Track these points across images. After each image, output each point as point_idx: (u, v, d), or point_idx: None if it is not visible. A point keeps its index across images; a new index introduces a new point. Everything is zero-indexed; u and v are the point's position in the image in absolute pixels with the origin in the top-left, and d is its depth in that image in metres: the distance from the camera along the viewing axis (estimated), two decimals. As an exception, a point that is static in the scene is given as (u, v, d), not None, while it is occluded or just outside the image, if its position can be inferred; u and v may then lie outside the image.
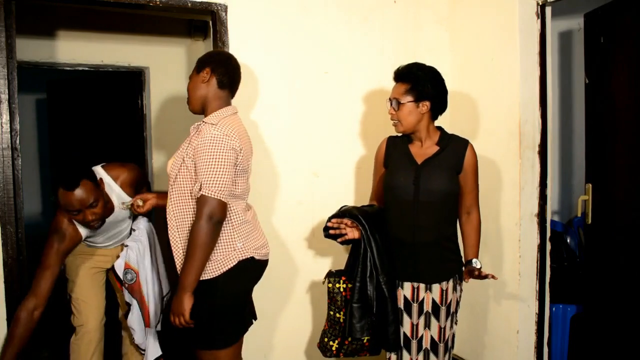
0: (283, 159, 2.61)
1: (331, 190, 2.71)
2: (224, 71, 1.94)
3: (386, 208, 2.11)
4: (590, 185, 2.64)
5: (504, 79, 2.50)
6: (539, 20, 2.43)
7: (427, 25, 2.88)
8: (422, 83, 1.99)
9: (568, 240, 3.10)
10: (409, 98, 2.00)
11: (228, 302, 1.87)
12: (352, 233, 2.00)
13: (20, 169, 2.18)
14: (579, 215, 2.75)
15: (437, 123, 2.12)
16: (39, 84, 4.44)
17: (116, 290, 2.49)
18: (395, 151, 2.14)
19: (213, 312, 1.85)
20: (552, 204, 2.82)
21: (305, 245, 2.68)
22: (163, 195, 2.13)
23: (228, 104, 1.97)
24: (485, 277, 1.97)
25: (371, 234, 1.97)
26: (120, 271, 2.26)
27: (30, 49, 3.38)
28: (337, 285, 2.05)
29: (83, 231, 2.20)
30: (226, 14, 2.45)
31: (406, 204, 2.02)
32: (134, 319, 2.30)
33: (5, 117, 2.14)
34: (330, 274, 2.10)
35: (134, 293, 2.29)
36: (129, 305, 2.31)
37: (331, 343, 2.07)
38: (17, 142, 2.17)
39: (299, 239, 2.66)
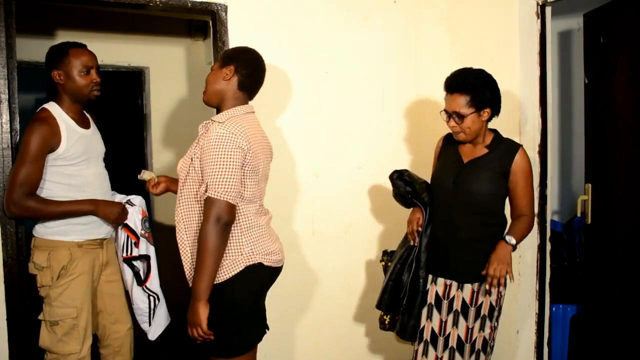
0: (283, 159, 2.61)
1: (331, 190, 2.71)
2: (248, 73, 1.88)
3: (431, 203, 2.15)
4: (590, 185, 2.64)
5: (504, 79, 2.49)
6: (539, 20, 2.43)
7: (427, 25, 2.88)
8: (481, 92, 1.95)
9: (568, 241, 3.11)
10: (471, 109, 1.95)
11: (236, 309, 1.80)
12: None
13: (20, 169, 2.17)
14: (579, 215, 2.75)
15: None
16: (39, 84, 4.44)
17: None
18: (447, 149, 2.17)
19: (221, 319, 1.77)
20: (552, 204, 2.81)
21: (305, 246, 2.68)
22: (175, 180, 2.07)
23: (244, 104, 1.90)
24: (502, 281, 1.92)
25: (424, 229, 2.07)
26: (139, 225, 2.21)
27: (30, 49, 3.37)
28: (390, 264, 2.19)
29: (64, 139, 2.07)
30: (226, 14, 2.45)
31: (445, 202, 2.06)
32: (154, 271, 2.23)
33: (5, 117, 2.13)
34: (385, 253, 2.28)
35: (151, 240, 2.24)
36: (146, 259, 2.22)
37: (385, 317, 2.25)
38: (17, 142, 2.16)
39: (299, 239, 2.66)
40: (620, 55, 2.46)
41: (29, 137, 1.98)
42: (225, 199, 1.70)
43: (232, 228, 1.79)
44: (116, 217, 2.15)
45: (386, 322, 2.24)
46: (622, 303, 2.45)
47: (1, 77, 2.12)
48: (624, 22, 2.43)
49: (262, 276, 1.87)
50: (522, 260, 2.45)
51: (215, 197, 1.69)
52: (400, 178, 2.17)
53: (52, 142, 2.02)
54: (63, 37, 3.50)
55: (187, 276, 1.84)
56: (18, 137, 2.17)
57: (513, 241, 1.95)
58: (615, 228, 2.51)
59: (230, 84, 1.87)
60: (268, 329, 2.02)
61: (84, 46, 2.16)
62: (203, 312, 1.70)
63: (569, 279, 2.89)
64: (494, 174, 1.99)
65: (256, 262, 1.82)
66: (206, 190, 1.72)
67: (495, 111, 2.03)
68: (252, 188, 1.84)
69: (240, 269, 1.79)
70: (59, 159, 2.05)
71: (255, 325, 1.92)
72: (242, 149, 1.74)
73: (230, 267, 1.78)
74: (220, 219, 1.69)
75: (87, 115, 2.27)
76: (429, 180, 2.20)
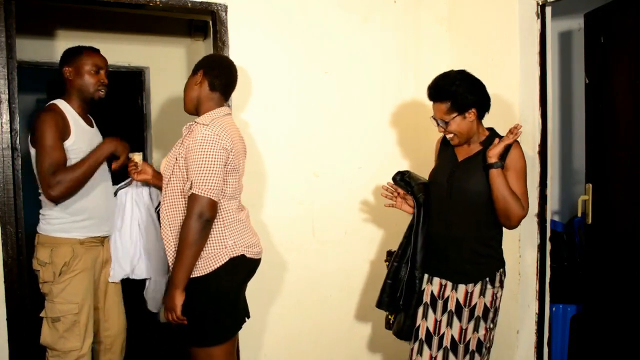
0: (283, 159, 2.61)
1: (331, 190, 2.71)
2: (216, 74, 1.99)
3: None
4: (591, 185, 2.64)
5: (504, 78, 2.50)
6: (539, 20, 2.43)
7: (427, 25, 2.88)
8: (461, 96, 1.95)
9: (568, 240, 3.11)
10: (454, 114, 1.97)
11: (220, 299, 1.90)
12: (403, 206, 2.18)
13: (20, 169, 2.18)
14: (579, 215, 2.75)
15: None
16: (39, 84, 4.44)
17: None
18: (444, 149, 2.19)
19: (205, 309, 1.87)
20: (552, 204, 2.81)
21: (305, 246, 2.67)
22: (160, 176, 2.12)
23: (221, 105, 2.01)
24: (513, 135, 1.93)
25: (422, 227, 2.08)
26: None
27: (30, 49, 3.38)
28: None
29: (73, 132, 2.12)
30: (226, 14, 2.45)
31: (441, 200, 2.07)
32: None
33: (5, 117, 2.14)
34: (389, 254, 2.27)
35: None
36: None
37: (390, 317, 2.26)
38: (17, 142, 2.17)
39: (299, 239, 2.66)
40: (621, 55, 2.45)
41: (43, 128, 2.02)
42: (208, 196, 1.80)
43: (216, 223, 1.89)
44: (123, 148, 2.22)
45: (391, 322, 2.26)
46: (622, 303, 2.45)
47: (1, 77, 2.12)
48: (624, 22, 2.43)
49: (244, 267, 1.98)
50: (522, 260, 2.45)
51: (199, 193, 1.80)
52: (402, 179, 2.20)
53: (63, 129, 2.09)
54: (63, 37, 3.51)
55: (170, 268, 1.91)
56: (18, 137, 2.17)
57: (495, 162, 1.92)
58: (616, 228, 2.51)
59: (202, 87, 1.99)
60: (249, 317, 2.10)
61: (98, 50, 2.28)
62: (179, 299, 1.82)
63: (569, 279, 2.88)
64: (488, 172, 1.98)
65: (239, 254, 1.93)
66: (191, 187, 1.81)
67: (483, 109, 2.03)
68: (234, 185, 1.95)
69: (224, 261, 1.89)
70: (67, 151, 2.09)
71: (237, 315, 2.01)
72: (225, 149, 1.85)
73: (214, 260, 1.88)
74: (203, 215, 1.79)
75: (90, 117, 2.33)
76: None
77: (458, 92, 1.95)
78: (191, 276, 1.85)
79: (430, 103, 2.07)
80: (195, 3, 2.39)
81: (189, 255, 1.80)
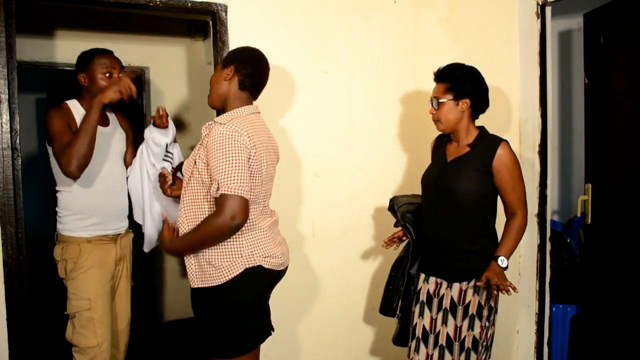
0: (283, 159, 2.60)
1: (331, 190, 2.71)
2: (248, 72, 1.88)
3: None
4: (590, 185, 2.64)
5: (504, 79, 2.50)
6: (539, 20, 2.43)
7: (427, 25, 2.89)
8: (460, 81, 2.01)
9: (568, 240, 3.11)
10: (449, 96, 2.02)
11: (236, 310, 1.80)
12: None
13: (20, 169, 2.18)
14: (579, 215, 2.75)
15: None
16: (39, 84, 4.44)
17: None
18: (437, 150, 2.21)
19: (222, 320, 1.80)
20: (552, 204, 2.81)
21: (305, 246, 2.67)
22: None
23: (248, 104, 1.91)
24: (503, 289, 1.87)
25: (415, 254, 2.14)
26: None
27: (30, 49, 3.38)
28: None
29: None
30: (226, 14, 2.45)
31: (430, 201, 2.11)
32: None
33: (5, 117, 2.14)
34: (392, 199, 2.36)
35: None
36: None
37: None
38: (17, 142, 2.17)
39: (299, 239, 2.66)
40: (621, 55, 2.45)
41: (51, 121, 2.11)
42: (239, 194, 1.67)
43: None
44: (120, 86, 2.15)
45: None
46: (622, 303, 2.45)
47: (1, 77, 2.12)
48: (624, 22, 2.43)
49: (262, 279, 1.86)
50: (522, 260, 2.45)
51: (229, 192, 1.66)
52: (392, 208, 2.29)
53: (69, 122, 2.13)
54: (63, 37, 3.50)
55: (189, 276, 1.85)
56: (18, 137, 2.17)
57: (505, 263, 1.96)
58: (615, 228, 2.51)
59: (231, 84, 1.88)
60: (273, 330, 2.01)
61: (110, 52, 2.29)
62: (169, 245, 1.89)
63: (569, 279, 2.88)
64: (476, 172, 1.99)
65: (256, 264, 1.81)
66: (218, 189, 1.69)
67: (478, 105, 2.05)
68: (255, 189, 1.81)
69: (240, 270, 1.78)
70: None
71: (257, 327, 1.90)
72: (245, 146, 1.73)
73: (230, 269, 1.78)
74: (235, 218, 1.67)
75: (114, 115, 2.42)
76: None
77: (460, 77, 2.01)
78: (206, 286, 1.78)
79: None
80: (195, 3, 2.39)
81: (200, 246, 1.78)
